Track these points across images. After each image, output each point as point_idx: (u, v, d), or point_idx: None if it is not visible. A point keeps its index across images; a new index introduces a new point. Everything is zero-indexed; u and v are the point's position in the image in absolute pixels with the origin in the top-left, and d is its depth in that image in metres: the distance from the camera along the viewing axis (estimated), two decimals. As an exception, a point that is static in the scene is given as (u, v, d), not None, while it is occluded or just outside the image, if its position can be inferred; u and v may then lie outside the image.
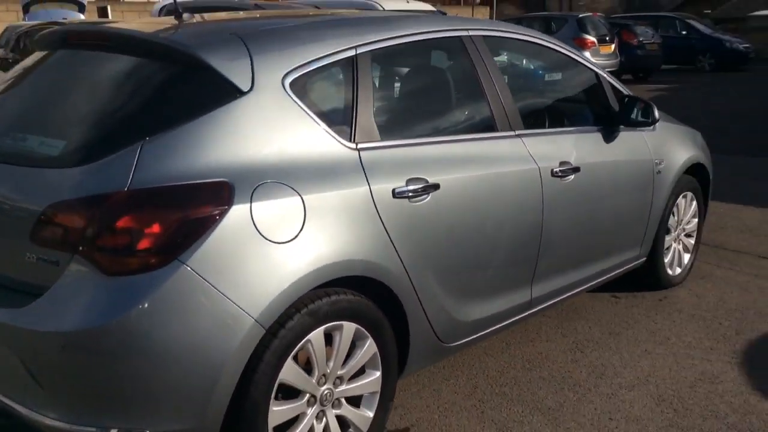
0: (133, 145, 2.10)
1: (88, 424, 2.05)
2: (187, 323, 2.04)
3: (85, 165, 2.11)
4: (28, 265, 2.15)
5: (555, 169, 3.17)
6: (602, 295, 4.17)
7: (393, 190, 2.52)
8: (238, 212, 2.11)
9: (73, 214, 2.06)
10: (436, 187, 2.65)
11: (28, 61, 2.83)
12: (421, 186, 2.60)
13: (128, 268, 2.01)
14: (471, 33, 3.10)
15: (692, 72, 20.69)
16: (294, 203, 2.24)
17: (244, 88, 2.28)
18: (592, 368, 3.34)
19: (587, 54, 16.14)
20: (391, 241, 2.50)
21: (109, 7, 20.06)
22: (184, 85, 2.27)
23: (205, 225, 2.06)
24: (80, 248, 2.03)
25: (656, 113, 3.60)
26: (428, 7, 14.08)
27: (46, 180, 2.16)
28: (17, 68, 2.85)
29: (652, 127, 3.80)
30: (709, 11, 31.03)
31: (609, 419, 2.92)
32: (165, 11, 16.22)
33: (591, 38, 16.33)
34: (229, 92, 2.26)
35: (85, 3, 18.78)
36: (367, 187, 2.45)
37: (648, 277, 4.18)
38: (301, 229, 2.24)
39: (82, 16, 16.66)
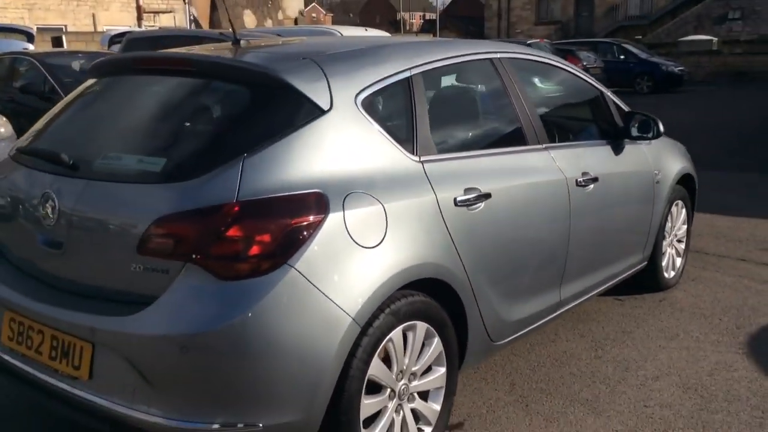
0: (234, 161, 2.25)
1: (201, 420, 2.16)
2: (295, 323, 2.18)
3: (191, 180, 2.24)
4: (134, 276, 2.26)
5: (579, 179, 3.43)
6: (606, 299, 4.44)
7: (455, 199, 2.73)
8: (334, 220, 2.28)
9: (186, 225, 2.19)
10: (488, 196, 2.86)
11: (89, 86, 2.94)
12: (475, 195, 2.81)
13: (241, 274, 2.15)
14: (499, 55, 3.35)
15: (632, 94, 21.56)
16: (378, 211, 2.42)
17: (325, 107, 2.45)
18: (616, 363, 3.58)
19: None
20: (455, 246, 2.70)
21: (63, 38, 19.85)
22: (273, 105, 2.43)
23: (308, 232, 2.22)
24: (194, 256, 2.16)
25: (661, 127, 3.91)
26: (384, 33, 14.44)
27: (153, 195, 2.28)
28: (78, 93, 2.97)
29: (649, 141, 4.12)
30: (641, 37, 32.51)
31: (644, 406, 3.15)
32: (111, 42, 16.24)
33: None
34: (313, 111, 2.43)
35: (34, 33, 18.54)
36: (434, 196, 2.65)
37: (649, 279, 4.48)
38: (385, 235, 2.42)
39: (31, 46, 16.46)
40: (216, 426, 2.16)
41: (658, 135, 3.93)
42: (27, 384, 2.59)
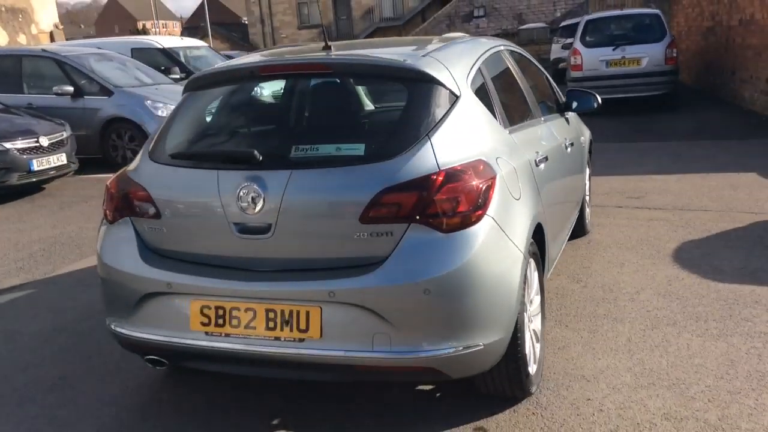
0: (422, 141, 2.76)
1: (438, 348, 2.65)
2: (496, 260, 2.76)
3: (394, 158, 2.71)
4: (358, 243, 2.69)
5: (566, 143, 4.31)
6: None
7: (535, 161, 3.44)
8: (500, 180, 2.88)
9: (406, 193, 2.66)
10: (546, 158, 3.62)
11: (211, 93, 3.22)
12: (542, 157, 3.55)
13: (457, 226, 2.68)
14: (502, 47, 4.09)
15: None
16: (512, 171, 3.06)
17: (457, 93, 3.03)
18: (601, 287, 4.52)
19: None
20: (541, 198, 3.41)
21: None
22: (426, 94, 2.94)
23: (490, 190, 2.80)
24: (417, 217, 2.65)
25: (600, 99, 4.92)
26: (201, 42, 14.51)
27: (367, 173, 2.71)
28: (203, 100, 3.23)
29: (574, 113, 5.13)
30: (397, 37, 34.97)
31: (647, 311, 4.10)
32: None
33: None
34: (453, 97, 2.99)
35: None
36: (527, 159, 3.34)
37: (578, 226, 5.50)
38: (521, 190, 3.07)
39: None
40: (451, 350, 2.67)
41: (599, 107, 4.94)
42: (230, 361, 2.88)
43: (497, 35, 31.27)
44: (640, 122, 11.72)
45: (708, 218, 5.93)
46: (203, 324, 2.86)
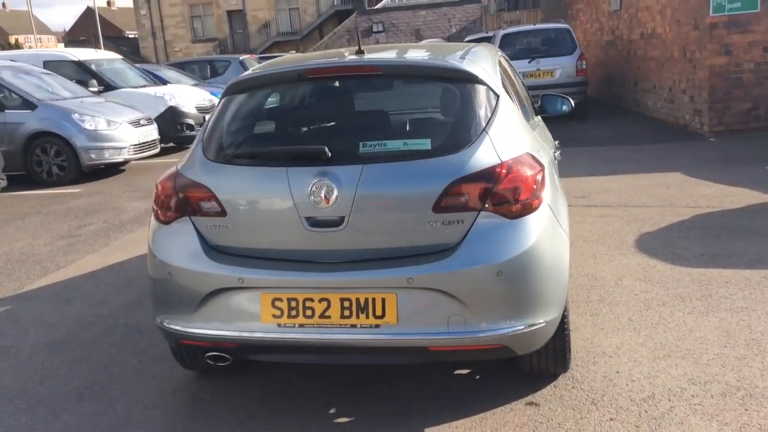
0: (482, 136, 2.98)
1: (509, 326, 2.85)
2: (553, 243, 3.00)
3: (459, 152, 2.92)
4: (431, 231, 2.87)
5: (556, 143, 4.65)
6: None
7: (555, 154, 3.73)
8: (547, 170, 3.14)
9: (474, 184, 2.86)
10: (560, 149, 3.92)
11: (260, 94, 3.32)
12: (559, 151, 3.85)
13: (522, 212, 2.90)
14: (500, 54, 4.38)
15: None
16: (549, 164, 3.33)
17: (498, 93, 3.26)
18: (587, 277, 4.87)
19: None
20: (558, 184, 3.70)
21: None
22: (477, 94, 3.15)
23: (543, 180, 3.05)
24: (485, 205, 2.86)
25: (573, 103, 5.29)
26: (115, 55, 14.15)
27: (436, 166, 2.89)
28: (253, 100, 3.34)
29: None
30: (294, 51, 35.11)
31: (635, 295, 4.48)
32: None
33: (254, 77, 17.86)
34: (495, 96, 3.22)
35: None
36: (551, 154, 3.62)
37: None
38: (558, 177, 3.34)
39: None
40: (520, 328, 2.88)
41: (571, 108, 5.31)
42: (303, 351, 2.98)
43: (397, 50, 32.19)
44: (557, 130, 12.39)
45: (653, 213, 6.46)
46: (275, 316, 2.95)
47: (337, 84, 3.33)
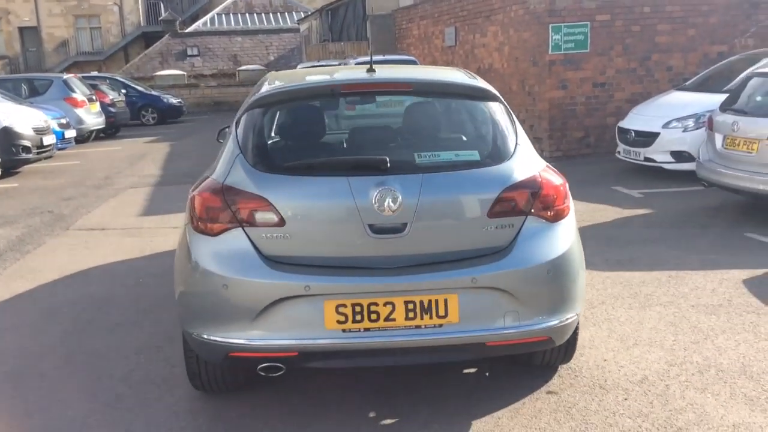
0: (517, 147, 3.33)
1: (556, 318, 3.18)
2: (580, 245, 3.39)
3: (505, 162, 3.24)
4: (485, 235, 3.13)
5: None
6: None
7: None
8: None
9: (522, 191, 3.18)
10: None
11: (308, 105, 3.47)
12: None
13: (560, 217, 3.26)
14: None
15: (140, 126, 22.69)
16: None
17: (509, 110, 3.62)
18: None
19: (81, 112, 16.65)
20: None
21: None
22: (501, 110, 3.50)
23: (567, 189, 3.42)
24: (531, 210, 3.18)
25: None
26: None
27: (488, 175, 3.17)
28: (294, 112, 3.48)
29: None
30: (96, 72, 33.39)
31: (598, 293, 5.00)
32: None
33: (81, 98, 16.83)
34: (510, 111, 3.58)
35: None
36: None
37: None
38: None
39: None
40: (563, 320, 3.22)
41: None
42: (368, 354, 3.09)
43: (214, 75, 31.61)
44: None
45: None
46: (339, 322, 3.04)
47: (367, 99, 3.50)
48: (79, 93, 16.93)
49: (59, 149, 13.85)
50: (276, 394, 3.64)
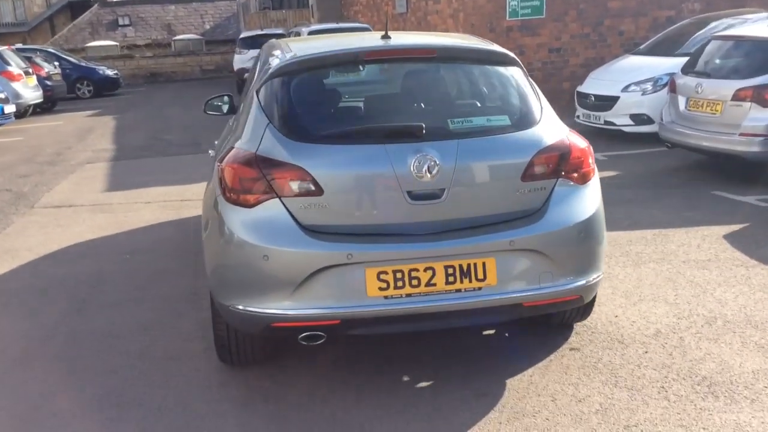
0: (543, 113, 3.38)
1: (585, 278, 3.26)
2: (602, 207, 3.47)
3: (535, 126, 3.29)
4: (519, 198, 3.19)
5: None
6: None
7: None
8: None
9: (553, 155, 3.23)
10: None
11: (334, 73, 3.42)
12: None
13: (587, 179, 3.34)
14: None
15: (75, 100, 21.91)
16: None
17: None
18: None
19: (18, 86, 15.97)
20: None
21: None
22: (524, 75, 3.54)
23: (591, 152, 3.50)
24: (561, 173, 3.25)
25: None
26: None
27: (520, 140, 3.21)
28: (319, 80, 3.44)
29: None
30: (21, 44, 31.96)
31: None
32: None
33: (18, 71, 16.11)
34: (530, 78, 3.62)
35: None
36: None
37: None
38: None
39: None
40: (592, 279, 3.31)
41: None
42: (409, 320, 3.12)
43: (148, 45, 30.60)
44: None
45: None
46: (381, 289, 3.05)
47: (393, 66, 3.49)
48: (15, 66, 16.19)
49: (-1, 125, 13.27)
50: (303, 364, 3.65)
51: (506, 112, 3.44)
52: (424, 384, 3.42)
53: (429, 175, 3.07)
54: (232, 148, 3.30)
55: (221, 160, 3.28)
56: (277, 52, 3.73)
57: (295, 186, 3.08)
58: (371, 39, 3.81)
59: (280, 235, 3.07)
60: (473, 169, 3.18)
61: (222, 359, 3.59)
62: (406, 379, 3.47)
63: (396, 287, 3.07)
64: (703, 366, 3.44)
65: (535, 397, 3.25)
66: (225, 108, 4.77)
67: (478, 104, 3.53)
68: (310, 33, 13.58)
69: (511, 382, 3.37)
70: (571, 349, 3.68)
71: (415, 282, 3.08)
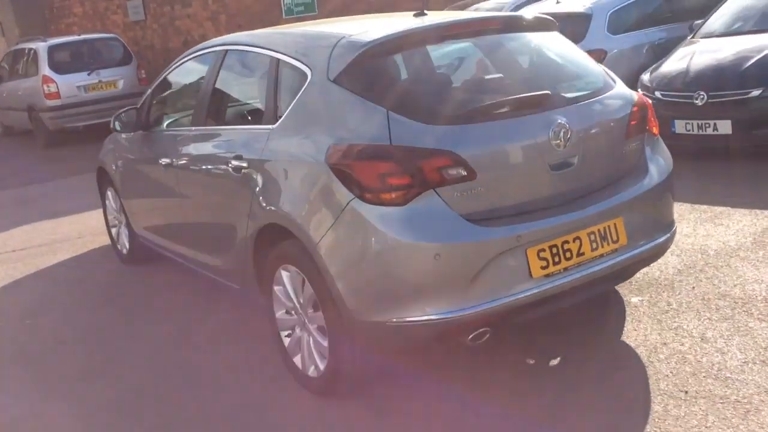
0: (610, 78, 3.41)
1: (669, 232, 3.29)
2: None
3: (616, 86, 3.34)
4: (624, 156, 3.21)
5: None
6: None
7: None
8: None
9: (638, 111, 3.28)
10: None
11: (423, 49, 3.27)
12: None
13: (658, 132, 3.44)
14: None
15: None
16: None
17: None
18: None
19: None
20: None
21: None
22: (568, 41, 3.52)
23: None
24: (646, 128, 3.33)
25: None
26: None
27: (617, 100, 3.26)
28: (415, 58, 3.20)
29: None
30: None
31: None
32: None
33: None
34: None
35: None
36: None
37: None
38: None
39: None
40: (673, 232, 3.34)
41: None
42: (565, 296, 2.97)
43: None
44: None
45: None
46: (543, 268, 2.84)
47: (467, 39, 3.29)
48: None
49: None
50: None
51: (589, 74, 3.42)
52: (554, 362, 3.27)
53: (566, 142, 2.94)
54: (341, 143, 2.82)
55: (336, 159, 2.79)
56: (336, 40, 3.12)
57: (444, 174, 2.72)
58: (412, 19, 3.48)
59: (446, 229, 2.71)
60: (594, 132, 3.12)
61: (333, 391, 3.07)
62: (531, 362, 3.28)
63: (554, 263, 2.87)
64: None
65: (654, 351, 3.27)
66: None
67: (568, 69, 3.47)
68: (51, 48, 11.84)
69: (632, 342, 3.32)
70: (641, 300, 3.76)
71: (568, 254, 2.91)
